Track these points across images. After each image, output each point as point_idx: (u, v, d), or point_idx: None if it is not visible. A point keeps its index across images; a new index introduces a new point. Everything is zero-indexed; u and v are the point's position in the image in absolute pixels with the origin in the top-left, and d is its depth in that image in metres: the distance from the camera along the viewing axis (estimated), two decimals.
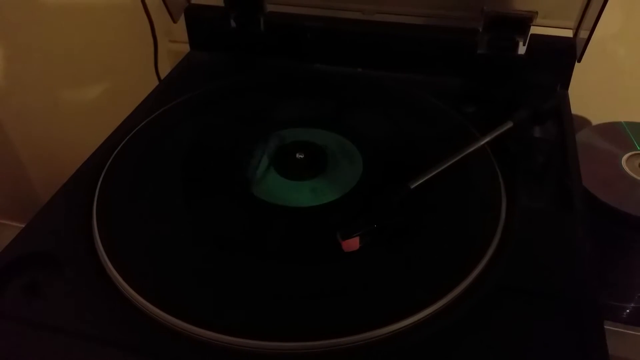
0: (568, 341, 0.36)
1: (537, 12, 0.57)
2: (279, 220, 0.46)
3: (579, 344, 0.36)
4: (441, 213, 0.46)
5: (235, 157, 0.51)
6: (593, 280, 0.40)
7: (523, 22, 0.57)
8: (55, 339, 0.38)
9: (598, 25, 0.52)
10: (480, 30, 0.59)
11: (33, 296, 0.40)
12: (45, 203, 0.47)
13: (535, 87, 0.57)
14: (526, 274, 0.40)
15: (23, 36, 0.87)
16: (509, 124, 0.51)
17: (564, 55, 0.58)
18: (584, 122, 0.70)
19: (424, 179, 0.46)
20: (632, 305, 0.60)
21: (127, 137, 0.54)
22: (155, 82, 0.72)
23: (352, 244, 0.41)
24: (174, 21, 0.68)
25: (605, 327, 0.37)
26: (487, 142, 0.50)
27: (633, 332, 0.56)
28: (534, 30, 0.58)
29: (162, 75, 0.75)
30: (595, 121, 0.69)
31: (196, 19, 0.69)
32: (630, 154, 0.60)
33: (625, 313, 0.61)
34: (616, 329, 0.57)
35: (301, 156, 0.51)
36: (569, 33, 0.59)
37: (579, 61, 0.56)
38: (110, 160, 0.51)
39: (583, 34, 0.55)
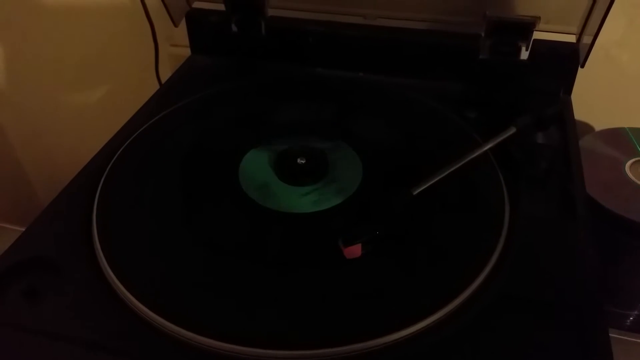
0: (573, 349, 0.36)
1: (539, 17, 0.56)
2: (280, 226, 0.45)
3: (584, 353, 0.36)
4: (443, 220, 0.45)
5: (236, 161, 0.51)
6: (597, 287, 0.39)
7: (526, 27, 0.57)
8: (54, 346, 0.37)
9: (601, 30, 0.51)
10: (483, 35, 0.59)
11: (32, 302, 0.39)
12: (45, 207, 0.47)
13: (538, 92, 0.57)
14: (529, 282, 0.40)
15: (24, 40, 0.87)
16: (512, 130, 0.51)
17: (567, 60, 0.58)
18: (587, 128, 0.69)
19: (426, 186, 0.46)
20: (636, 312, 0.60)
21: (128, 142, 0.54)
22: (156, 86, 0.72)
23: (354, 250, 0.41)
24: (175, 25, 0.68)
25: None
26: (489, 148, 0.49)
27: (636, 340, 0.56)
28: (537, 35, 0.58)
29: (163, 79, 0.75)
30: (598, 127, 0.69)
31: (197, 23, 0.69)
32: (633, 160, 0.60)
33: (628, 321, 0.60)
34: (619, 336, 0.56)
35: (302, 161, 0.51)
36: (572, 38, 0.58)
37: (582, 67, 0.56)
38: (110, 165, 0.51)
39: (586, 39, 0.55)
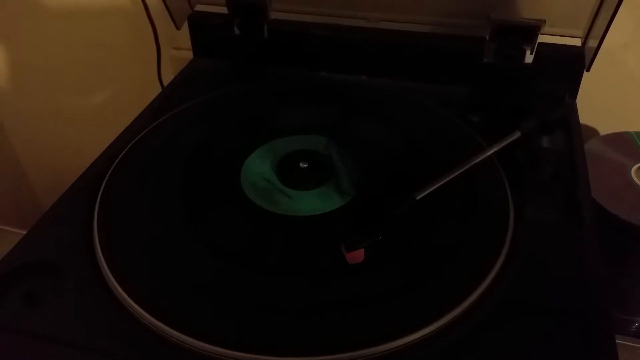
0: (579, 356, 0.36)
1: (545, 21, 0.56)
2: (282, 230, 0.45)
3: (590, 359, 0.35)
4: (447, 225, 0.45)
5: (238, 165, 0.51)
6: (603, 293, 0.39)
7: (531, 30, 0.57)
8: (54, 350, 0.37)
9: (607, 34, 0.51)
10: (487, 39, 0.59)
11: (32, 306, 0.39)
12: (46, 211, 0.47)
13: (543, 96, 0.57)
14: (534, 288, 0.40)
15: (25, 42, 0.87)
16: (517, 134, 0.50)
17: (572, 64, 0.58)
18: (593, 132, 0.69)
19: (430, 190, 0.45)
20: None
21: (130, 145, 0.53)
22: (158, 89, 0.72)
23: (357, 255, 0.40)
24: (178, 28, 0.68)
25: None
26: (494, 152, 0.49)
27: None
28: (542, 38, 0.57)
29: (165, 82, 0.75)
30: (603, 131, 0.68)
31: (200, 26, 0.69)
32: (639, 164, 0.59)
33: (634, 327, 0.60)
34: (625, 342, 0.56)
35: (305, 165, 0.50)
36: (577, 42, 0.58)
37: (588, 70, 0.56)
38: (112, 168, 0.51)
39: (592, 43, 0.54)
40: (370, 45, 0.64)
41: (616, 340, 0.36)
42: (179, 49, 0.78)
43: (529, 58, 0.58)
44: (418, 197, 0.45)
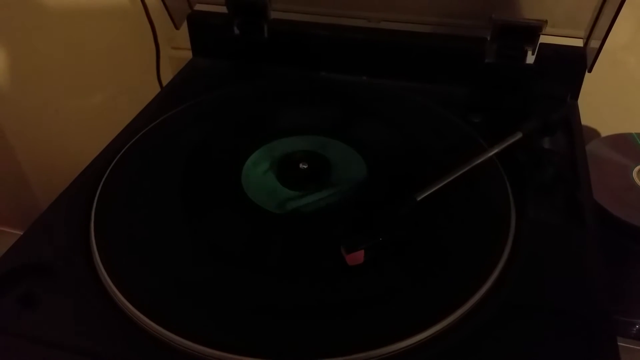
0: (581, 358, 0.35)
1: (546, 21, 0.56)
2: (282, 231, 0.45)
3: None
4: (448, 226, 0.45)
5: (237, 166, 0.50)
6: (605, 295, 0.39)
7: (532, 31, 0.57)
8: (50, 353, 0.37)
9: (609, 34, 0.51)
10: (488, 39, 0.59)
11: (29, 308, 0.39)
12: (43, 211, 0.47)
13: (545, 97, 0.56)
14: (536, 290, 0.39)
15: (25, 42, 0.87)
16: (518, 135, 0.50)
17: (574, 65, 0.57)
18: (594, 133, 0.69)
19: (431, 191, 0.45)
20: None
21: (128, 145, 0.53)
22: (157, 89, 0.72)
23: (357, 257, 0.40)
24: (177, 27, 0.68)
25: None
26: (495, 153, 0.49)
27: None
28: (544, 39, 0.57)
29: (164, 82, 0.75)
30: (605, 132, 0.68)
31: (199, 26, 0.69)
32: None
33: (635, 329, 0.60)
34: (626, 344, 0.56)
35: (304, 166, 0.50)
36: (579, 42, 0.58)
37: (590, 71, 0.56)
38: (110, 168, 0.50)
39: (594, 44, 0.54)
40: (370, 45, 0.64)
41: (617, 343, 0.36)
42: (178, 48, 0.78)
43: (530, 58, 0.58)
44: (419, 198, 0.44)
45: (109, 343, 0.37)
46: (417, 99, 0.59)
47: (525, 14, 0.57)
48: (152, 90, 0.65)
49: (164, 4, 0.65)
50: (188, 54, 0.71)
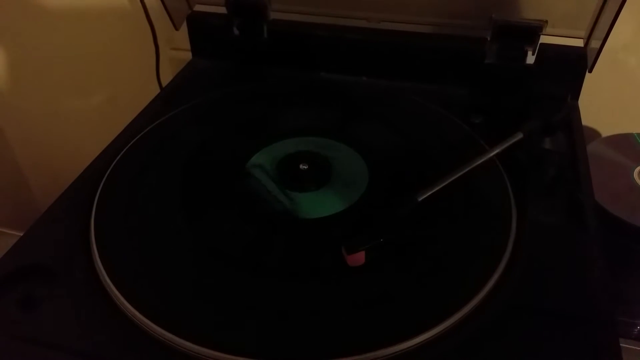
0: (583, 359, 0.35)
1: (547, 21, 0.56)
2: (283, 232, 0.45)
3: None
4: (449, 227, 0.45)
5: (237, 167, 0.50)
6: (606, 296, 0.39)
7: (532, 31, 0.57)
8: (50, 355, 0.37)
9: (609, 35, 0.51)
10: (489, 40, 0.59)
11: (28, 310, 0.39)
12: (43, 213, 0.47)
13: (545, 97, 0.56)
14: (537, 290, 0.39)
15: (24, 43, 0.87)
16: (519, 135, 0.50)
17: (574, 65, 0.57)
18: (595, 133, 0.69)
19: (432, 192, 0.45)
20: None
21: (128, 146, 0.53)
22: (156, 90, 0.72)
23: (358, 258, 0.40)
24: (176, 28, 0.68)
25: None
26: (496, 154, 0.49)
27: None
28: (544, 39, 0.57)
29: (164, 83, 0.75)
30: (605, 133, 0.68)
31: (198, 27, 0.69)
32: None
33: (636, 330, 0.59)
34: (627, 345, 0.56)
35: (305, 167, 0.50)
36: (579, 43, 0.58)
37: (590, 71, 0.56)
38: (110, 169, 0.50)
39: (594, 44, 0.54)
40: (370, 45, 0.64)
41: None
42: (178, 49, 0.78)
43: (530, 59, 0.58)
44: (420, 199, 0.44)
45: (109, 344, 0.37)
46: (417, 100, 0.59)
47: (525, 14, 0.57)
48: (151, 91, 0.65)
49: (164, 4, 0.65)
50: (188, 55, 0.71)
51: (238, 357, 0.35)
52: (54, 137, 0.98)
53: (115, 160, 0.51)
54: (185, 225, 0.45)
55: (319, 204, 0.46)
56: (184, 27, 0.69)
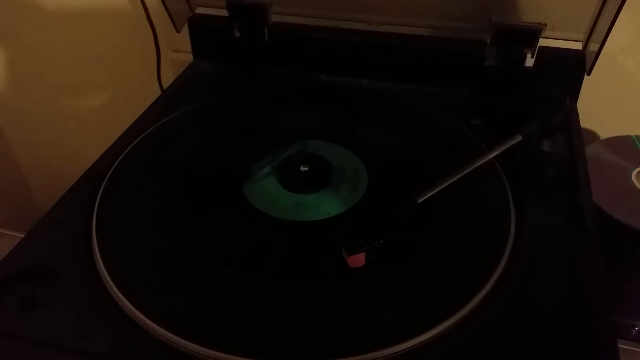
0: None
1: (546, 24, 0.56)
2: (283, 234, 0.45)
3: None
4: (449, 228, 0.45)
5: (238, 169, 0.50)
6: (605, 297, 0.39)
7: (532, 34, 0.57)
8: (51, 356, 0.37)
9: (608, 37, 0.51)
10: (488, 42, 0.59)
11: (30, 311, 0.39)
12: (44, 214, 0.47)
13: (544, 100, 0.57)
14: (536, 292, 0.39)
15: (25, 45, 0.87)
16: (518, 138, 0.50)
17: (573, 68, 0.58)
18: (593, 135, 0.69)
19: (431, 193, 0.45)
20: None
21: (129, 148, 0.53)
22: (157, 92, 0.72)
23: (358, 259, 0.40)
24: (178, 31, 0.68)
25: None
26: (495, 156, 0.49)
27: None
28: (543, 42, 0.57)
29: (165, 85, 0.75)
30: (604, 135, 0.68)
31: (200, 29, 0.69)
32: None
33: (634, 331, 0.60)
34: (625, 346, 0.56)
35: (305, 169, 0.50)
36: (578, 45, 0.58)
37: (589, 74, 0.56)
38: (111, 171, 0.50)
39: (593, 47, 0.54)
40: (371, 48, 0.64)
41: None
42: (179, 51, 0.78)
43: (529, 61, 0.58)
44: (419, 201, 0.45)
45: (110, 345, 0.37)
46: (417, 102, 0.60)
47: (524, 17, 0.58)
48: (153, 93, 0.65)
49: (165, 7, 0.65)
50: (189, 57, 0.71)
51: (238, 357, 0.35)
52: (55, 138, 0.98)
53: (117, 162, 0.51)
54: (186, 225, 0.45)
55: (319, 206, 0.47)
56: (185, 30, 0.69)
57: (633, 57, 0.64)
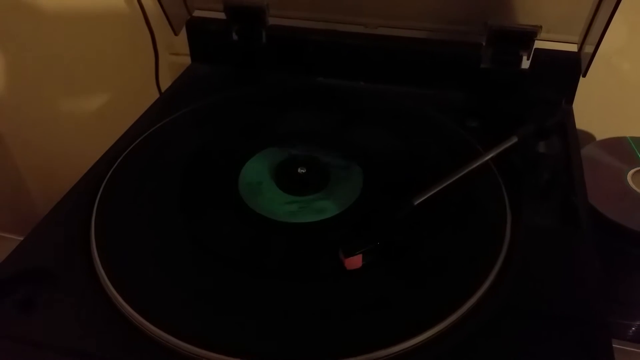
0: None
1: (541, 27, 0.56)
2: (280, 236, 0.45)
3: None
4: (445, 230, 0.45)
5: (236, 170, 0.51)
6: (600, 298, 0.39)
7: (527, 36, 0.57)
8: (50, 358, 0.37)
9: (603, 39, 0.51)
10: (484, 45, 0.59)
11: (29, 313, 0.39)
12: (43, 217, 0.47)
13: (540, 102, 0.57)
14: (532, 292, 0.40)
15: (23, 48, 0.87)
16: (514, 139, 0.50)
17: (568, 69, 0.58)
18: (589, 137, 0.69)
19: (428, 195, 0.45)
20: (638, 323, 0.59)
21: (127, 150, 0.53)
22: (156, 95, 0.72)
23: (355, 261, 0.40)
24: (176, 34, 0.68)
25: None
26: (491, 158, 0.49)
27: (638, 351, 0.55)
28: (538, 44, 0.58)
29: (163, 88, 0.75)
30: (600, 136, 0.69)
31: (198, 32, 0.69)
32: (635, 169, 0.59)
33: (631, 331, 0.60)
34: (622, 347, 0.56)
35: (303, 171, 0.50)
36: (573, 47, 0.58)
37: (584, 76, 0.56)
38: (109, 173, 0.50)
39: (588, 49, 0.55)
40: (368, 51, 0.64)
41: (613, 345, 0.36)
42: (177, 54, 0.78)
43: (525, 64, 0.59)
44: (416, 203, 0.45)
45: (109, 346, 0.37)
46: (414, 104, 0.60)
47: (520, 19, 0.58)
48: (151, 96, 0.66)
49: (163, 10, 0.65)
50: (187, 60, 0.71)
51: (237, 359, 0.35)
52: (53, 140, 0.98)
53: (115, 164, 0.51)
54: (185, 227, 0.45)
55: (316, 208, 0.47)
56: (183, 33, 0.69)
57: (628, 59, 0.64)
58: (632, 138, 0.63)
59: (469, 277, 0.40)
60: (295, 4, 0.65)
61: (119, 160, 0.52)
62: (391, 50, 0.64)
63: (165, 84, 0.75)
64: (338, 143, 0.54)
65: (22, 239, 0.45)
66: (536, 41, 0.57)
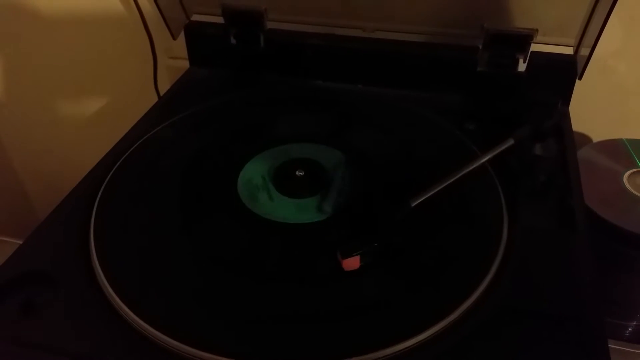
0: None
1: (537, 30, 0.57)
2: (279, 238, 0.45)
3: None
4: (442, 231, 0.45)
5: (235, 173, 0.51)
6: (596, 298, 0.39)
7: (523, 39, 0.57)
8: None
9: (598, 42, 0.52)
10: (481, 48, 0.59)
11: (29, 315, 0.39)
12: (42, 220, 0.47)
13: (536, 104, 0.57)
14: (528, 294, 0.40)
15: (22, 52, 0.87)
16: (510, 142, 0.51)
17: (564, 72, 0.58)
18: (585, 139, 0.69)
19: (425, 197, 0.45)
20: (635, 323, 0.60)
21: (126, 154, 0.53)
22: (154, 98, 0.72)
23: (353, 263, 0.40)
24: (174, 38, 0.68)
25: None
26: (488, 160, 0.49)
27: (635, 351, 0.56)
28: (535, 47, 0.58)
29: (162, 92, 0.75)
30: (596, 138, 0.69)
31: (196, 36, 0.69)
32: (631, 171, 0.60)
33: (627, 331, 0.60)
34: (618, 347, 0.56)
35: (301, 173, 0.51)
36: (569, 50, 0.59)
37: (580, 78, 0.56)
38: (108, 177, 0.51)
39: (584, 51, 0.55)
40: (365, 54, 0.64)
41: (609, 345, 0.36)
42: (176, 58, 0.78)
43: (522, 67, 0.59)
44: (413, 204, 0.45)
45: (108, 349, 0.37)
46: (411, 107, 0.60)
47: (516, 23, 0.58)
48: (149, 100, 0.66)
49: (162, 14, 0.65)
50: (185, 64, 0.71)
51: None
52: (52, 144, 0.98)
53: (114, 168, 0.52)
54: (184, 230, 0.46)
55: (314, 210, 0.47)
56: (181, 37, 0.69)
57: (624, 61, 0.65)
58: (628, 140, 0.64)
59: (467, 278, 0.40)
60: (293, 8, 0.66)
61: (118, 163, 0.52)
62: (389, 53, 0.64)
63: (163, 88, 0.75)
64: (336, 145, 0.54)
65: (21, 242, 0.45)
66: (532, 44, 0.57)
